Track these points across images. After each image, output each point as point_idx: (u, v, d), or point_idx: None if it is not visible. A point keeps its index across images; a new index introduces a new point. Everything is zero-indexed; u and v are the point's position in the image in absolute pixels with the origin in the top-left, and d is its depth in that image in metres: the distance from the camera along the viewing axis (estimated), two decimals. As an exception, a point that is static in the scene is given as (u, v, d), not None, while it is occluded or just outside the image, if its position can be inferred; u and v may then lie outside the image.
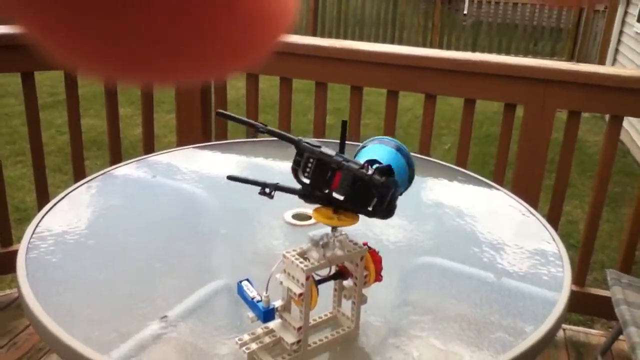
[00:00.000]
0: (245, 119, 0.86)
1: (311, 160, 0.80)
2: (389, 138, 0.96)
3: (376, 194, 0.80)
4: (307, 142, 0.81)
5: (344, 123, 0.83)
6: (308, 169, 0.80)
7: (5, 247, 2.28)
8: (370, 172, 0.79)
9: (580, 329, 2.32)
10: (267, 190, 0.83)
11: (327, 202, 0.83)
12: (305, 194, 0.82)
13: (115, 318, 0.91)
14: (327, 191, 0.81)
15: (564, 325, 2.27)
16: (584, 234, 2.22)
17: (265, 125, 0.85)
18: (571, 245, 3.17)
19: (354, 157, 0.88)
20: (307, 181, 0.81)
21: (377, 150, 0.91)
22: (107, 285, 1.00)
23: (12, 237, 2.29)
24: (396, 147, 0.94)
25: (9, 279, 2.49)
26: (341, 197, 0.81)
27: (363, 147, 0.93)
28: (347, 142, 0.85)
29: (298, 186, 0.83)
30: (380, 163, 0.84)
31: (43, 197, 2.25)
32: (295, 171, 0.81)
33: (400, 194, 0.86)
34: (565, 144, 2.10)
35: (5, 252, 2.26)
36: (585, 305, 2.26)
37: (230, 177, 0.86)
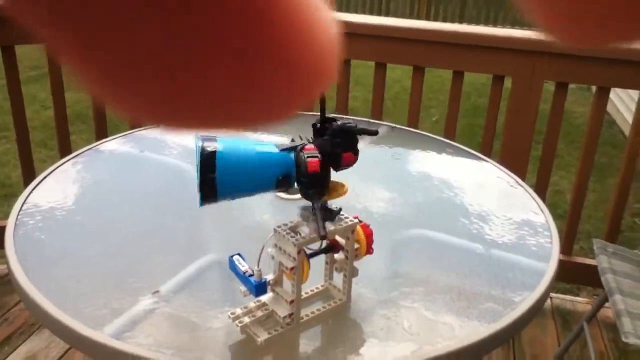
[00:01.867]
0: None
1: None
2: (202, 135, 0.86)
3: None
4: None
5: (322, 99, 0.82)
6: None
7: (-8, 224, 2.26)
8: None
9: (567, 297, 2.36)
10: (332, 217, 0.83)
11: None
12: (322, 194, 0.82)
13: (107, 293, 0.90)
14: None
15: (551, 294, 2.31)
16: (571, 204, 2.24)
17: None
18: (558, 215, 3.21)
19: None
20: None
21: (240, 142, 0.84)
22: (97, 260, 1.00)
23: (-2, 214, 2.28)
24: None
25: (-3, 256, 2.48)
26: None
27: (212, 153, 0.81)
28: (333, 115, 0.84)
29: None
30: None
31: (29, 173, 2.23)
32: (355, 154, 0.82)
33: None
34: (553, 115, 2.11)
35: (-8, 228, 2.24)
36: (572, 274, 2.30)
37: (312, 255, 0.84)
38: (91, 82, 0.19)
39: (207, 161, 0.77)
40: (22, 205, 1.14)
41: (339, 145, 0.80)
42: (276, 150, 0.80)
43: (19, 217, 1.10)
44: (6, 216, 1.12)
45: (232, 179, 0.78)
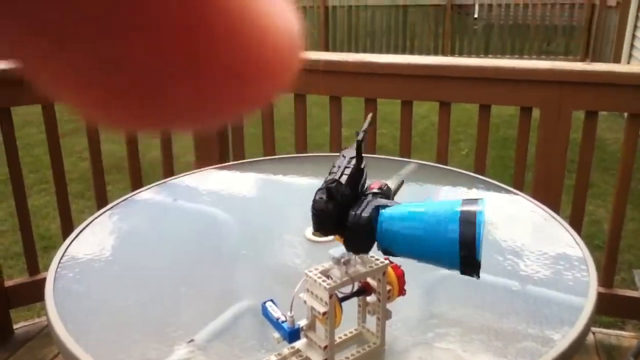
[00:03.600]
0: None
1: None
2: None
3: None
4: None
5: (358, 142, 0.83)
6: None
7: (32, 276, 2.32)
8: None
9: (611, 331, 2.28)
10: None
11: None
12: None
13: (144, 343, 0.92)
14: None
15: (593, 329, 2.24)
16: (609, 234, 2.19)
17: None
18: (596, 246, 3.13)
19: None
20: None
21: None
22: (133, 310, 1.02)
23: (38, 266, 2.33)
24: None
25: (37, 308, 2.53)
26: None
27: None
28: (368, 155, 0.86)
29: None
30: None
31: (67, 224, 2.29)
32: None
33: None
34: (584, 144, 2.08)
35: (32, 280, 2.29)
36: (614, 307, 2.22)
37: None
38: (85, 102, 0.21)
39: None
40: (61, 258, 1.17)
41: None
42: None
43: (58, 269, 1.13)
44: (46, 268, 1.15)
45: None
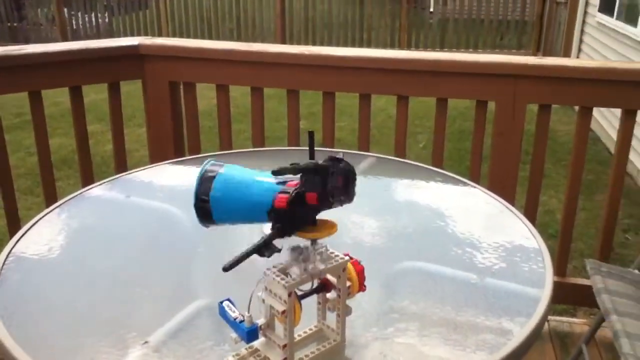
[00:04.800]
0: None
1: (331, 176, 0.79)
2: (212, 160, 0.93)
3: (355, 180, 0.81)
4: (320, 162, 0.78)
5: (310, 134, 0.82)
6: (330, 187, 0.79)
7: (-23, 276, 2.22)
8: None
9: (564, 318, 2.35)
10: (267, 253, 0.81)
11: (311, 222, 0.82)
12: (288, 227, 0.81)
13: (95, 347, 0.88)
14: (336, 199, 0.79)
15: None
16: (562, 224, 2.24)
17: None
18: (550, 235, 3.21)
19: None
20: (331, 199, 0.79)
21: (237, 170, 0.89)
22: (84, 312, 0.97)
23: (-16, 265, 2.23)
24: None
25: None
26: (343, 198, 0.80)
27: (211, 177, 0.88)
28: (320, 149, 0.84)
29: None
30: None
31: (14, 222, 2.20)
32: (319, 194, 0.78)
33: None
34: (538, 136, 2.12)
35: (-22, 281, 2.20)
36: (567, 295, 2.29)
37: (226, 269, 0.81)
38: None
39: (204, 184, 0.86)
40: (5, 258, 1.12)
41: (305, 184, 0.79)
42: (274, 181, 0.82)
43: (2, 270, 1.07)
44: (-10, 270, 1.09)
45: (224, 204, 0.86)
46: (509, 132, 2.08)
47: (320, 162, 0.79)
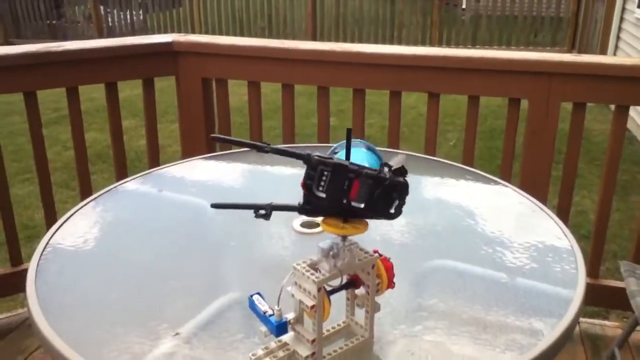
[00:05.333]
0: (248, 142, 0.83)
1: (325, 173, 0.77)
2: (358, 140, 0.93)
3: (397, 196, 0.79)
4: (318, 156, 0.78)
5: (348, 131, 0.82)
6: (323, 183, 0.77)
7: (15, 267, 2.29)
8: (387, 175, 0.78)
9: (596, 321, 2.30)
10: (262, 212, 0.81)
11: (342, 213, 0.81)
12: (308, 209, 0.79)
13: (128, 337, 0.90)
14: (345, 201, 0.78)
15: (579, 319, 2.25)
16: (595, 225, 2.20)
17: (269, 144, 0.83)
18: (582, 236, 3.15)
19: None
20: (323, 195, 0.77)
21: (354, 154, 0.87)
22: (117, 304, 1.00)
23: (21, 256, 2.30)
24: (366, 147, 0.93)
25: (20, 298, 2.50)
26: (361, 205, 0.78)
27: (334, 152, 0.89)
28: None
29: (295, 201, 0.80)
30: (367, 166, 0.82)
31: (50, 214, 2.26)
32: (308, 187, 0.78)
33: None
34: (572, 135, 2.08)
35: (15, 271, 2.26)
36: (600, 297, 2.24)
37: (214, 205, 0.82)
38: None
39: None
40: (43, 249, 1.15)
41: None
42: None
43: (40, 261, 1.11)
44: (29, 258, 1.13)
45: None
46: (542, 131, 2.05)
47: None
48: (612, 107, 2.08)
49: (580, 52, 8.49)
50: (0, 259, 3.01)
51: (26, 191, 4.10)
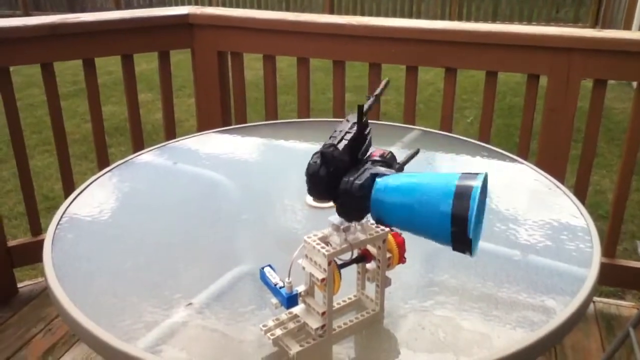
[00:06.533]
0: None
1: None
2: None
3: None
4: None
5: (359, 107, 0.81)
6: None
7: (35, 236, 2.33)
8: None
9: (611, 300, 2.29)
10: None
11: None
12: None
13: (141, 306, 0.91)
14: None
15: (594, 298, 2.24)
16: (613, 204, 2.17)
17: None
18: (600, 215, 3.12)
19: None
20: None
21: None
22: (132, 273, 1.01)
23: (41, 226, 2.34)
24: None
25: (41, 267, 2.55)
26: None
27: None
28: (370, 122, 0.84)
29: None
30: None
31: (69, 186, 2.29)
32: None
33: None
34: (592, 113, 2.05)
35: (35, 240, 2.31)
36: (616, 277, 2.22)
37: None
38: None
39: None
40: (59, 220, 1.17)
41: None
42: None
43: (56, 231, 1.12)
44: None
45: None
46: (561, 108, 2.02)
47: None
48: (635, 84, 2.03)
49: (603, 28, 8.29)
50: (22, 229, 3.07)
51: (46, 162, 4.15)
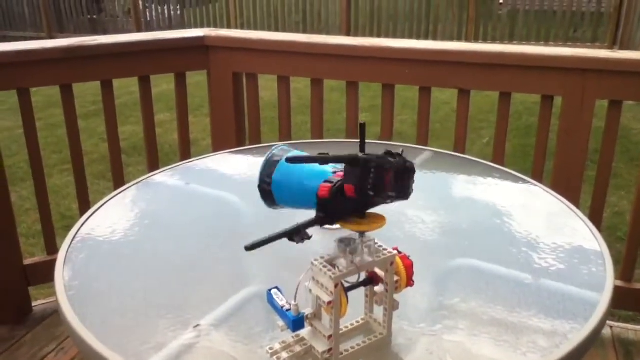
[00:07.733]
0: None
1: (372, 170, 0.77)
2: (283, 146, 0.98)
3: (413, 177, 0.80)
4: (363, 154, 0.78)
5: (361, 126, 0.82)
6: (371, 180, 0.77)
7: (50, 255, 2.35)
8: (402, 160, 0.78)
9: (629, 326, 2.24)
10: (296, 239, 0.84)
11: (364, 207, 0.82)
12: (330, 217, 0.82)
13: (150, 328, 0.92)
14: (383, 195, 0.78)
15: (611, 323, 2.20)
16: (631, 226, 2.14)
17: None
18: (619, 238, 3.07)
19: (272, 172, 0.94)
20: (372, 193, 0.77)
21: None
22: (141, 294, 1.02)
23: (56, 245, 2.36)
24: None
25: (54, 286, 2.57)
26: (394, 194, 0.78)
27: (276, 161, 0.94)
28: (376, 142, 0.84)
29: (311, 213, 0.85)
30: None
31: (85, 205, 2.31)
32: (356, 187, 0.77)
33: None
34: (607, 134, 2.03)
35: (50, 259, 2.33)
36: (633, 301, 2.18)
37: (248, 248, 0.87)
38: None
39: (269, 167, 0.93)
40: (72, 239, 1.18)
41: (345, 176, 0.79)
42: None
43: (69, 250, 1.14)
44: (65, 248, 1.16)
45: (283, 188, 0.93)
46: (576, 129, 2.00)
47: (361, 154, 0.78)
48: (651, 105, 2.01)
49: (622, 48, 8.25)
50: (40, 248, 3.11)
51: (65, 181, 4.21)
